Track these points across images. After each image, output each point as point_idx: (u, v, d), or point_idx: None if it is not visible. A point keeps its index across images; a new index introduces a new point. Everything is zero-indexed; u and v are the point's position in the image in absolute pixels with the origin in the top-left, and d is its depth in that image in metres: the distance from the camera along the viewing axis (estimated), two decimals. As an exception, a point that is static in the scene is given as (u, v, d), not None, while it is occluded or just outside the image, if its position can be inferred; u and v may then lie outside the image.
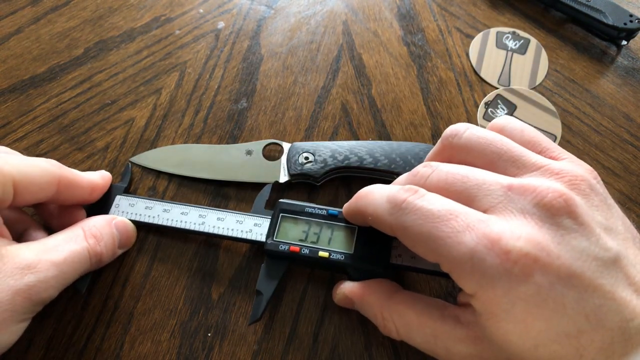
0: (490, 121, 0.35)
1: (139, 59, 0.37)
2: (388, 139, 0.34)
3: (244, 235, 0.27)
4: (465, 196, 0.21)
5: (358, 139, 0.34)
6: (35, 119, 0.34)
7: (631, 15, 0.37)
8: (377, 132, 0.34)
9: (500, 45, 0.39)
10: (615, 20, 0.37)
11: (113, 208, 0.29)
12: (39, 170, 0.24)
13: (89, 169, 0.32)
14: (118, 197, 0.29)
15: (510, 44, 0.39)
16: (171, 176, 0.32)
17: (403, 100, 0.36)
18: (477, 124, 0.35)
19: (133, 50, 0.38)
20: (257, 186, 0.31)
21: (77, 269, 0.24)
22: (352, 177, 0.31)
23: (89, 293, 0.28)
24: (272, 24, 0.40)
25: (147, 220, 0.28)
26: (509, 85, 0.37)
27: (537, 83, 0.37)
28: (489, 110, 0.36)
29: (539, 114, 0.36)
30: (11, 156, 0.25)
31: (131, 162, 0.32)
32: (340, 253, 0.26)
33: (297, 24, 0.40)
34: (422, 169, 0.23)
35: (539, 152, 0.23)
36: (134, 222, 0.28)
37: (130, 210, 0.29)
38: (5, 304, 0.21)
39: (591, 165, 0.23)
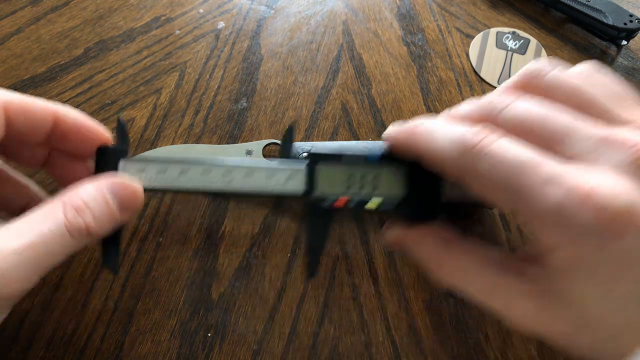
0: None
1: (139, 59, 0.37)
2: (388, 139, 0.34)
3: (278, 190, 0.24)
4: (548, 139, 0.19)
5: (358, 139, 0.34)
6: (35, 119, 0.34)
7: (631, 15, 0.37)
8: (377, 132, 0.34)
9: (500, 45, 0.39)
10: (615, 20, 0.37)
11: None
12: (32, 99, 0.21)
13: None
14: (122, 163, 0.24)
15: (510, 44, 0.39)
16: None
17: (403, 100, 0.36)
18: (477, 124, 0.35)
19: (133, 50, 0.38)
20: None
21: (51, 251, 0.19)
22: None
23: (88, 293, 0.28)
24: (272, 24, 0.40)
25: (163, 185, 0.24)
26: (509, 85, 0.37)
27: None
28: (489, 110, 0.36)
29: (539, 114, 0.36)
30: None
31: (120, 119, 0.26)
32: (389, 199, 0.23)
33: (297, 24, 0.40)
34: (496, 99, 0.20)
35: (626, 109, 0.20)
36: (148, 190, 0.24)
37: (140, 176, 0.24)
38: None
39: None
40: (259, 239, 0.30)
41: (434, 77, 0.37)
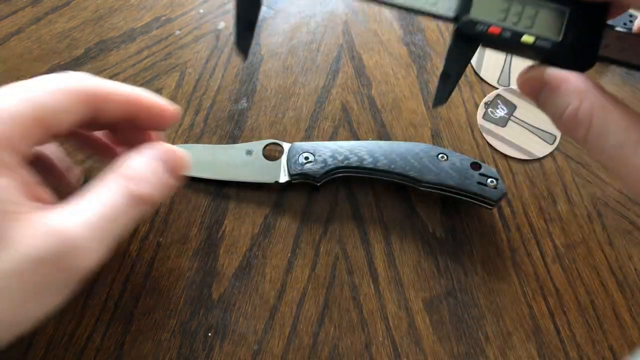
0: (490, 121, 0.35)
1: (140, 59, 0.37)
2: (388, 139, 0.34)
3: (428, 8, 0.22)
4: None
5: (358, 139, 0.34)
6: (35, 119, 0.34)
7: (631, 16, 0.37)
8: (377, 132, 0.34)
9: (500, 45, 0.39)
10: (615, 20, 0.37)
11: None
12: (63, 96, 0.21)
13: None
14: None
15: (510, 44, 0.39)
16: None
17: (403, 100, 0.36)
18: (477, 124, 0.35)
19: (133, 51, 0.38)
20: (257, 186, 0.31)
21: (119, 221, 0.20)
22: (352, 177, 0.31)
23: (88, 293, 0.28)
24: (273, 24, 0.40)
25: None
26: (508, 85, 0.37)
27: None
28: (489, 110, 0.36)
29: (539, 113, 0.36)
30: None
31: None
32: (545, 39, 0.22)
33: (297, 25, 0.40)
34: None
35: None
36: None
37: None
38: (35, 275, 0.18)
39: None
40: (259, 239, 0.30)
41: (434, 77, 0.37)
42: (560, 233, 0.31)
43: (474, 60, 0.38)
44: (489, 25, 0.22)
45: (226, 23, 0.40)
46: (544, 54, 0.22)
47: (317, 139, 0.34)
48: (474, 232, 0.31)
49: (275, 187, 0.31)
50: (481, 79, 0.37)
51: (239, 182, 0.31)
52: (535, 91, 0.22)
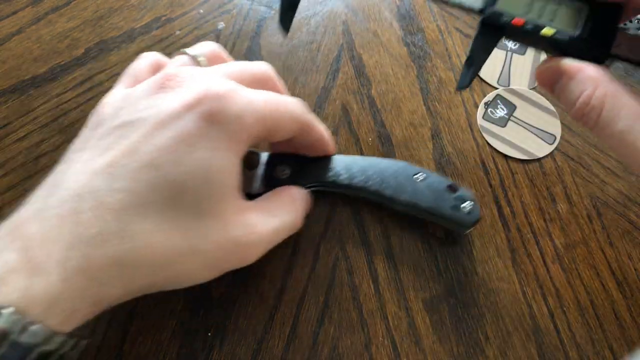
0: (490, 121, 0.35)
1: (140, 59, 0.37)
2: (388, 138, 0.34)
3: (458, 1, 0.25)
4: None
5: (358, 139, 0.34)
6: (36, 119, 0.34)
7: None
8: (377, 132, 0.34)
9: (499, 45, 0.39)
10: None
11: None
12: (289, 116, 0.25)
13: None
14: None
15: (510, 44, 0.39)
16: None
17: (403, 100, 0.36)
18: (477, 124, 0.35)
19: (134, 51, 0.38)
20: None
21: (283, 237, 0.25)
22: (327, 191, 0.31)
23: (89, 293, 0.28)
24: (272, 24, 0.40)
25: None
26: (508, 86, 0.37)
27: (537, 83, 0.37)
28: (489, 110, 0.36)
29: (538, 114, 0.36)
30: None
31: None
32: (564, 33, 0.24)
33: (297, 25, 0.40)
34: None
35: None
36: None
37: None
38: (227, 252, 0.22)
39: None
40: (259, 239, 0.30)
41: (434, 77, 0.37)
42: (560, 233, 0.31)
43: (473, 60, 0.38)
44: (513, 17, 0.24)
45: (226, 23, 0.40)
46: (562, 47, 0.24)
47: (317, 139, 0.34)
48: (474, 232, 0.31)
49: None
50: (481, 79, 0.37)
51: None
52: (552, 81, 0.24)
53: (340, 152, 0.33)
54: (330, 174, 0.29)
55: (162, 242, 0.20)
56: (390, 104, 0.36)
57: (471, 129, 0.35)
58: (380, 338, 0.27)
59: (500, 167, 0.33)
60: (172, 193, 0.20)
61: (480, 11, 0.25)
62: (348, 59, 0.38)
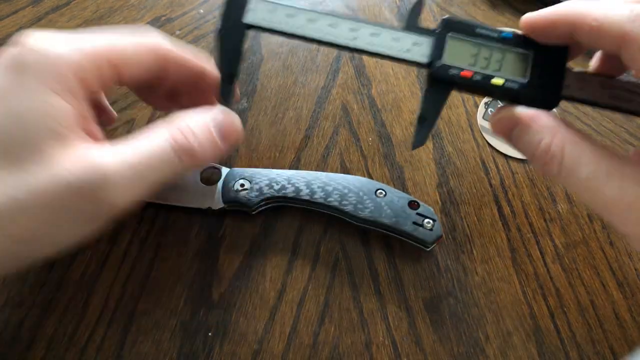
0: (490, 121, 0.35)
1: (140, 59, 0.37)
2: (388, 138, 0.34)
3: (402, 55, 0.24)
4: None
5: (358, 139, 0.34)
6: (36, 119, 0.34)
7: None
8: (377, 132, 0.34)
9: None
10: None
11: (250, 14, 0.24)
12: (136, 44, 0.23)
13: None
14: (254, 2, 0.25)
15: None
16: None
17: (403, 100, 0.36)
18: (477, 124, 0.35)
19: (133, 51, 0.38)
20: (191, 211, 0.30)
21: (158, 168, 0.21)
22: (288, 207, 0.31)
23: (89, 293, 0.28)
24: (273, 24, 0.40)
25: (289, 29, 0.24)
26: (509, 86, 0.37)
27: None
28: (489, 110, 0.36)
29: (539, 114, 0.36)
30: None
31: None
32: (514, 81, 0.23)
33: (297, 24, 0.40)
34: None
35: None
36: (275, 31, 0.24)
37: (269, 17, 0.24)
38: (63, 198, 0.19)
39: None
40: (259, 239, 0.30)
41: (434, 77, 0.37)
42: (560, 233, 0.31)
43: (474, 60, 0.38)
44: (461, 70, 0.23)
45: (226, 23, 0.40)
46: (513, 95, 0.24)
47: (317, 138, 0.34)
48: (474, 232, 0.31)
49: (207, 213, 0.30)
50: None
51: (170, 206, 0.30)
52: (508, 130, 0.24)
53: (340, 152, 0.33)
54: (291, 189, 0.29)
55: None
56: (391, 104, 0.36)
57: (471, 129, 0.35)
58: (381, 338, 0.27)
59: (501, 167, 0.33)
60: None
61: (427, 65, 0.24)
62: (348, 58, 0.38)
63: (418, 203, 0.29)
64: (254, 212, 0.30)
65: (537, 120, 0.23)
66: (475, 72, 0.24)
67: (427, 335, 0.27)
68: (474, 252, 0.30)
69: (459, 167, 0.33)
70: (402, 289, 0.29)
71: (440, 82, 0.24)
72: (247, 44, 0.38)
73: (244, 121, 0.35)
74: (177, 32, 0.39)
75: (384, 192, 0.29)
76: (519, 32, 0.24)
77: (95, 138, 0.22)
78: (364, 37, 0.24)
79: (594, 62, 0.25)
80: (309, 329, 0.27)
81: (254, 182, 0.30)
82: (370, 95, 0.36)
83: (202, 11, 0.40)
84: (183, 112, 0.23)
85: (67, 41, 0.21)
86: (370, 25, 0.24)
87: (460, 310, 0.28)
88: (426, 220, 0.28)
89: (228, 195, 0.29)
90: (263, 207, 0.30)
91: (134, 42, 0.23)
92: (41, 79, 0.20)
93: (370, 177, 0.32)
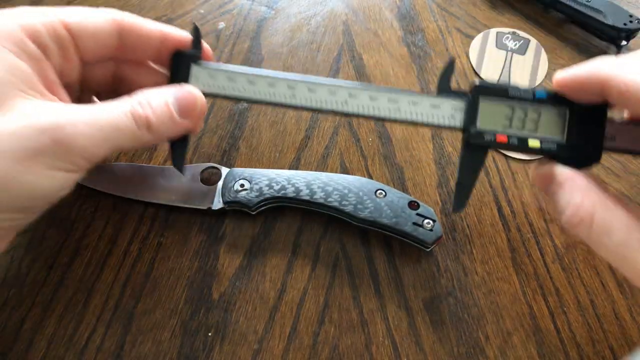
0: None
1: (140, 59, 0.37)
2: (388, 138, 0.34)
3: (436, 122, 0.24)
4: None
5: (358, 139, 0.34)
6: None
7: (631, 16, 0.37)
8: (377, 132, 0.34)
9: (500, 45, 0.39)
10: (615, 20, 0.37)
11: (192, 81, 0.25)
12: (91, 11, 0.24)
13: (159, 77, 0.30)
14: (194, 67, 0.25)
15: (510, 44, 0.39)
16: (104, 195, 0.31)
17: (403, 101, 0.36)
18: (477, 124, 0.35)
19: (134, 51, 0.38)
20: (191, 212, 0.30)
21: (119, 131, 0.22)
22: (288, 207, 0.31)
23: (89, 293, 0.28)
24: (273, 24, 0.40)
25: (232, 94, 0.25)
26: (509, 86, 0.37)
27: (537, 83, 0.37)
28: (489, 110, 0.36)
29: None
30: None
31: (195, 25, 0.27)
32: (551, 141, 0.23)
33: (297, 25, 0.40)
34: None
35: None
36: (219, 96, 0.25)
37: (210, 82, 0.25)
38: (29, 140, 0.20)
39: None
40: (259, 239, 0.30)
41: (434, 77, 0.37)
42: (560, 233, 0.31)
43: (474, 61, 0.38)
44: (496, 133, 0.23)
45: (226, 23, 0.40)
46: (552, 155, 0.23)
47: (317, 139, 0.34)
48: (474, 232, 0.31)
49: (208, 213, 0.30)
50: (481, 79, 0.37)
51: (171, 206, 0.30)
52: (545, 185, 0.23)
53: (340, 152, 0.33)
54: (291, 189, 0.29)
55: None
56: (391, 104, 0.36)
57: (471, 129, 0.35)
58: (381, 338, 0.27)
59: (501, 167, 0.33)
60: None
61: (463, 130, 0.24)
62: (348, 59, 0.38)
63: (418, 203, 0.29)
64: (254, 212, 0.30)
65: (570, 180, 0.22)
66: (511, 136, 0.23)
67: (427, 336, 0.27)
68: (474, 252, 0.30)
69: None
70: (402, 289, 0.29)
71: (476, 148, 0.24)
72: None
73: (244, 121, 0.35)
74: (177, 32, 0.39)
75: (384, 193, 0.29)
76: (553, 90, 0.23)
77: (63, 101, 0.23)
78: (364, 100, 0.25)
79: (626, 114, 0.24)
80: (308, 329, 0.27)
81: (254, 182, 0.30)
82: (370, 95, 0.36)
83: (202, 11, 0.40)
84: (145, 89, 0.24)
85: (20, 11, 0.23)
86: (386, 92, 0.25)
87: (460, 310, 0.28)
88: (426, 220, 0.28)
89: (228, 195, 0.29)
90: (263, 207, 0.30)
91: (91, 11, 0.24)
92: None
93: (370, 177, 0.32)
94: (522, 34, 0.40)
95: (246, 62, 0.37)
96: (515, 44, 0.39)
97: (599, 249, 0.21)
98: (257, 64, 0.37)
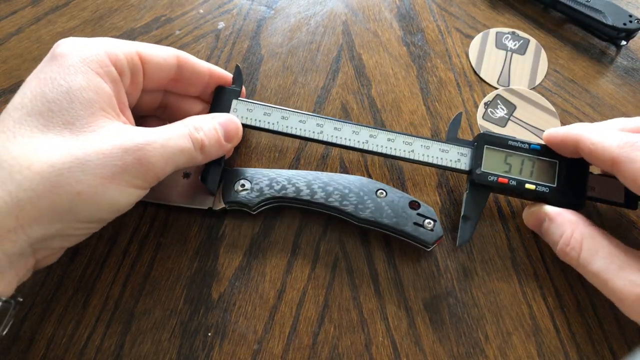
0: (490, 121, 0.35)
1: (139, 59, 0.37)
2: (388, 139, 0.34)
3: (446, 164, 0.29)
4: None
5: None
6: (35, 119, 0.34)
7: (630, 16, 0.37)
8: (377, 132, 0.34)
9: (499, 45, 0.39)
10: (615, 20, 0.37)
11: (231, 113, 0.30)
12: (159, 47, 0.28)
13: (200, 107, 0.32)
14: (234, 102, 0.30)
15: (510, 44, 0.39)
16: None
17: (403, 101, 0.36)
18: (476, 125, 0.35)
19: (133, 51, 0.38)
20: (190, 211, 0.30)
21: (182, 150, 0.25)
22: (288, 207, 0.31)
23: (89, 293, 0.28)
24: (272, 24, 0.40)
25: (266, 126, 0.30)
26: (508, 86, 0.37)
27: (537, 83, 0.37)
28: (489, 110, 0.36)
29: (538, 114, 0.36)
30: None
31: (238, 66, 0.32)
32: (544, 186, 0.28)
33: (297, 25, 0.40)
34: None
35: None
36: (254, 127, 0.30)
37: (248, 115, 0.30)
38: (116, 159, 0.22)
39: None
40: (259, 239, 0.30)
41: (434, 77, 0.37)
42: (560, 233, 0.31)
43: (473, 61, 0.38)
44: (498, 177, 0.28)
45: (226, 23, 0.40)
46: (544, 198, 0.28)
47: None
48: (474, 232, 0.31)
49: (208, 214, 0.30)
50: (481, 79, 0.37)
51: (171, 206, 0.30)
52: (539, 223, 0.28)
53: (340, 152, 0.33)
54: (292, 189, 0.29)
55: (47, 153, 0.22)
56: (390, 104, 0.36)
57: (471, 129, 0.35)
58: (380, 338, 0.27)
59: (500, 167, 0.33)
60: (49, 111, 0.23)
61: (468, 172, 0.29)
62: (348, 59, 0.38)
63: (419, 203, 0.29)
64: (254, 212, 0.30)
65: (561, 215, 0.27)
66: (511, 179, 0.28)
67: (426, 336, 0.27)
68: (474, 252, 0.30)
69: (458, 167, 0.33)
70: (402, 289, 0.29)
71: (480, 187, 0.29)
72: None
73: (244, 121, 0.34)
74: (177, 32, 0.39)
75: (384, 193, 0.29)
76: (544, 144, 0.29)
77: (129, 121, 0.26)
78: (382, 141, 0.30)
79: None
80: (308, 329, 0.27)
81: (254, 182, 0.30)
82: (370, 95, 0.36)
83: (202, 11, 0.40)
84: (195, 116, 0.27)
85: (106, 40, 0.26)
86: (383, 131, 0.30)
87: (460, 310, 0.28)
88: (427, 220, 0.28)
89: (229, 195, 0.29)
90: (264, 207, 0.30)
91: (159, 47, 0.28)
92: (74, 65, 0.24)
93: (369, 177, 0.32)
94: (521, 33, 0.40)
95: (246, 62, 0.37)
96: (515, 44, 0.39)
97: (585, 274, 0.26)
98: (257, 63, 0.37)
